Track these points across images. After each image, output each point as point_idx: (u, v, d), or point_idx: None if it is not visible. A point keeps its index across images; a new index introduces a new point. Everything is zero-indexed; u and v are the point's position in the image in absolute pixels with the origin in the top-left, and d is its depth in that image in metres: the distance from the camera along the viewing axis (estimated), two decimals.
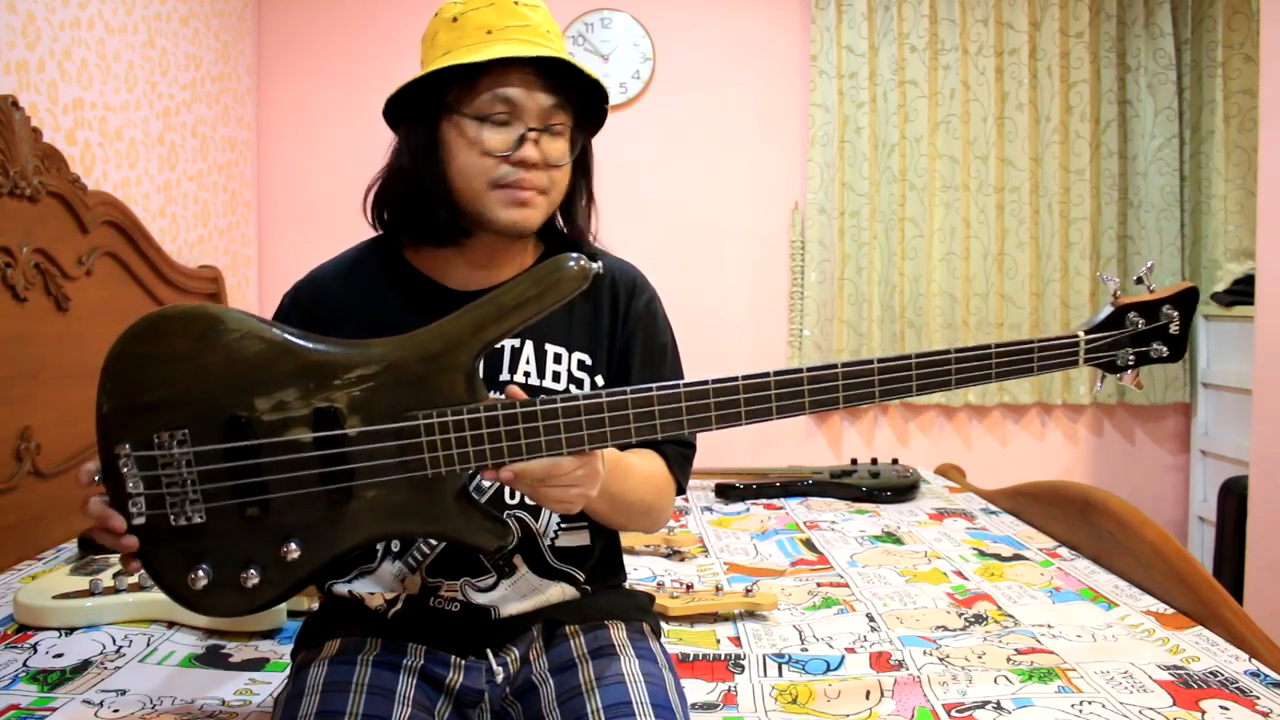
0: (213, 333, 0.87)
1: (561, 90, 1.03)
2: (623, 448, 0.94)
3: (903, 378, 0.92)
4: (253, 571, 0.87)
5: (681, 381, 0.89)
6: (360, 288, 1.10)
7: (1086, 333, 0.97)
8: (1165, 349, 0.98)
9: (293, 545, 0.87)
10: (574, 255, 0.89)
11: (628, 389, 0.88)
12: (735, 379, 0.90)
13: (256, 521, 0.87)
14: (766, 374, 0.90)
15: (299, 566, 0.88)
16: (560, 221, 1.14)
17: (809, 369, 0.90)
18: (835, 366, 0.90)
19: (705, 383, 0.89)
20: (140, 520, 0.87)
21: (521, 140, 1.00)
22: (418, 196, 1.04)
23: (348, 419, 0.87)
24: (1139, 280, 0.99)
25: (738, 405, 0.90)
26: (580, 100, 1.07)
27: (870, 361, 0.92)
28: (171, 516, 0.87)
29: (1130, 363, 0.98)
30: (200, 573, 0.86)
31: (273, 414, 0.87)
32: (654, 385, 0.88)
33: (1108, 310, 0.98)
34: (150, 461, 0.86)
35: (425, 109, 1.03)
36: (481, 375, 1.04)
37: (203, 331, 0.87)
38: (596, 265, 0.89)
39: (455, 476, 0.89)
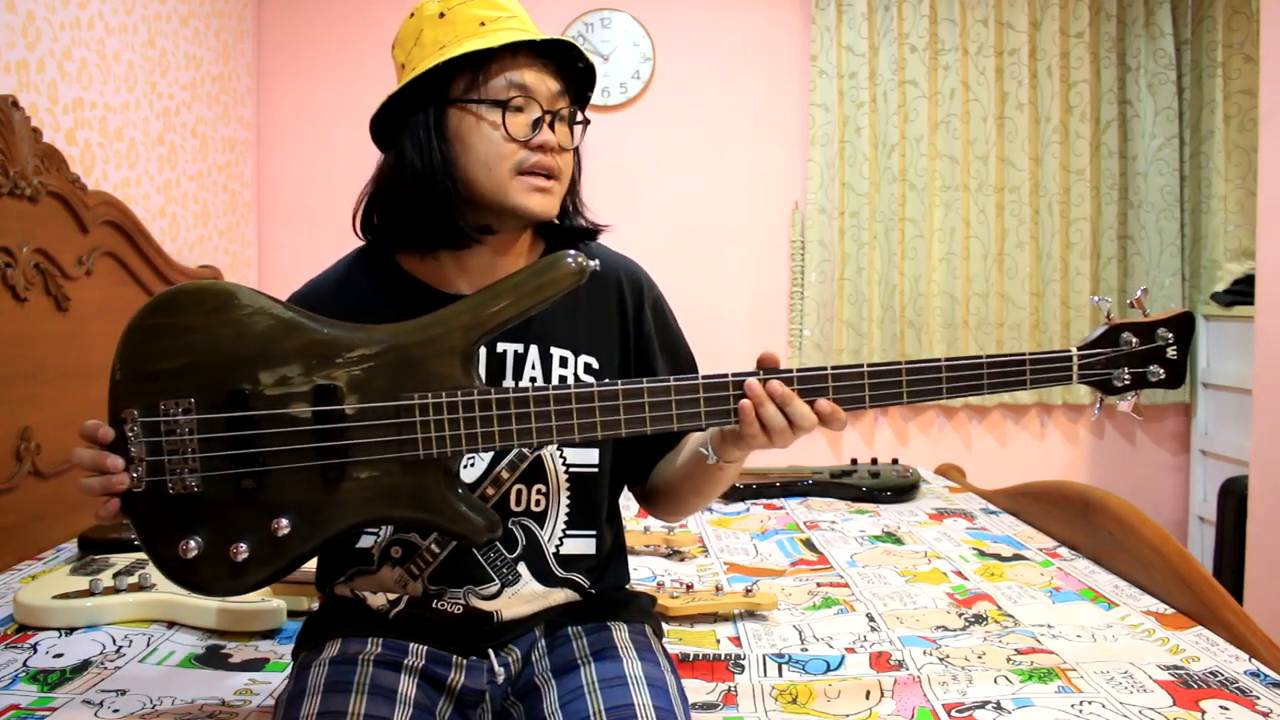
0: (225, 307, 0.91)
1: (566, 76, 1.05)
2: (611, 438, 0.94)
3: (893, 384, 0.95)
4: (243, 546, 0.89)
5: (671, 377, 0.93)
6: (358, 299, 1.07)
7: (1080, 349, 0.97)
8: (1163, 372, 0.98)
9: (284, 522, 0.89)
10: (571, 252, 0.93)
11: (619, 381, 0.93)
12: (725, 376, 0.94)
13: (251, 495, 0.89)
14: (754, 373, 0.94)
15: (289, 545, 0.90)
16: (571, 207, 1.13)
17: (799, 371, 0.94)
18: (825, 370, 0.94)
19: (695, 378, 0.93)
20: (140, 488, 0.89)
21: (538, 124, 1.01)
22: (433, 197, 1.00)
23: (347, 397, 0.90)
24: (1132, 305, 0.99)
25: (727, 401, 0.94)
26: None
27: (860, 367, 0.93)
28: (170, 484, 0.89)
29: (1126, 383, 0.98)
30: (192, 544, 0.88)
31: (275, 389, 0.90)
32: (643, 379, 0.93)
33: (1102, 329, 0.98)
34: (154, 428, 0.89)
35: (428, 106, 1.00)
36: (483, 368, 1.04)
37: (216, 306, 0.91)
38: (594, 264, 0.93)
39: (447, 461, 0.91)
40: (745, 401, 0.93)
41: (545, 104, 1.01)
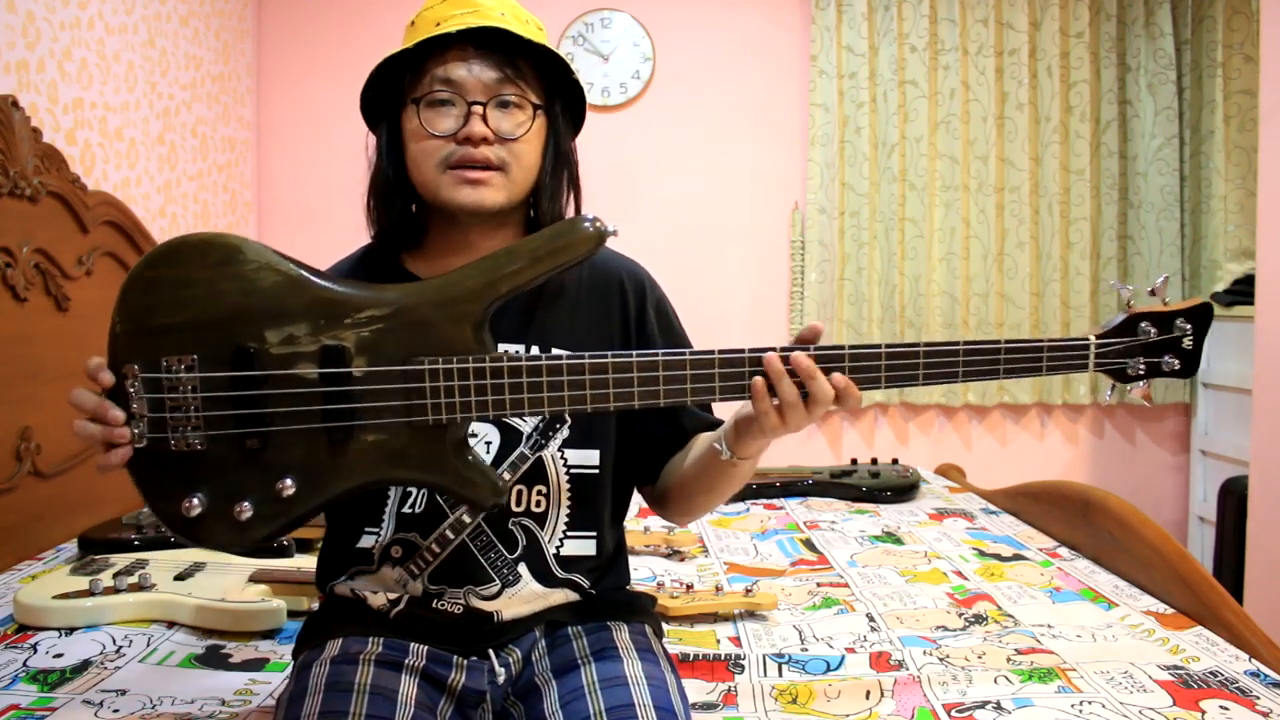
0: (231, 261, 0.88)
1: (509, 63, 1.01)
2: (625, 410, 0.94)
3: (909, 365, 0.93)
4: (246, 505, 0.87)
5: (687, 350, 0.92)
6: None
7: (1098, 337, 0.97)
8: (1177, 363, 0.97)
9: (288, 482, 0.87)
10: (590, 216, 0.91)
11: (633, 352, 0.91)
12: (742, 351, 0.92)
13: (255, 455, 0.88)
14: (772, 348, 0.92)
15: (292, 505, 0.88)
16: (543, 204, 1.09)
17: (817, 348, 0.92)
18: (842, 348, 0.93)
19: (711, 353, 0.91)
20: (141, 443, 0.87)
21: (467, 117, 0.99)
22: (387, 193, 1.06)
23: (355, 358, 0.89)
24: (1152, 292, 0.98)
25: (743, 377, 0.92)
26: (554, 83, 1.07)
27: (878, 347, 0.92)
28: (172, 441, 0.87)
29: (1141, 373, 0.97)
30: (195, 500, 0.87)
31: (281, 347, 0.88)
32: (660, 351, 0.91)
33: (1120, 317, 0.97)
34: (156, 384, 0.87)
35: (387, 109, 1.06)
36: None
37: (221, 259, 0.88)
38: (613, 228, 0.91)
39: (455, 426, 0.90)
40: (758, 378, 0.91)
41: (476, 95, 1.00)
